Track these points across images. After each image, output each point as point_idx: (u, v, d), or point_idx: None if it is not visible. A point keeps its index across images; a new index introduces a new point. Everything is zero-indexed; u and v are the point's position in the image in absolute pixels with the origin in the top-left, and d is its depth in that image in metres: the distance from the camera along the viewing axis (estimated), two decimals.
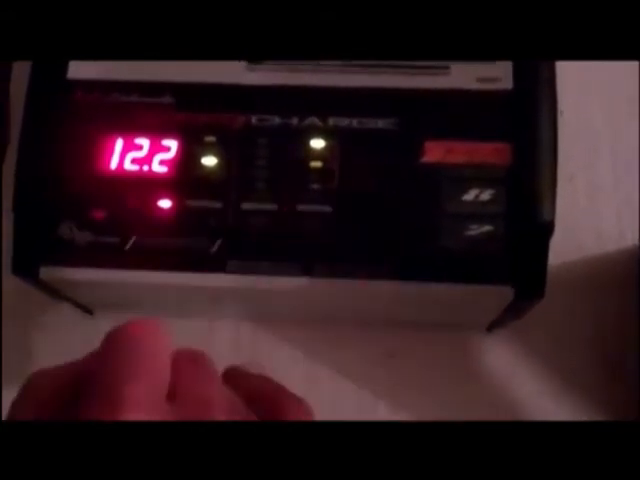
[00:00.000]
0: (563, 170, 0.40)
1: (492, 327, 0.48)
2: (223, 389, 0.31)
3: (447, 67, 0.41)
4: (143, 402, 0.27)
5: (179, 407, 0.29)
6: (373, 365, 0.50)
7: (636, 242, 0.50)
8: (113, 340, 0.29)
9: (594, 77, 0.53)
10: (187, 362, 0.31)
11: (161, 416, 0.28)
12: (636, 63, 0.52)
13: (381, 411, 0.49)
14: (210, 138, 0.41)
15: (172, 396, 0.29)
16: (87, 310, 0.50)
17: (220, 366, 0.33)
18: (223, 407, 0.29)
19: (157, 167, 0.41)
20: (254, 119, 0.41)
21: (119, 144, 0.41)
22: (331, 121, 0.41)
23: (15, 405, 0.29)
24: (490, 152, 0.40)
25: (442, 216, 0.39)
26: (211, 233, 0.40)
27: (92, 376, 0.28)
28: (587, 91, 0.52)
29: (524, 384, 0.49)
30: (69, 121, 0.41)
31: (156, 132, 0.41)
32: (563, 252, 0.49)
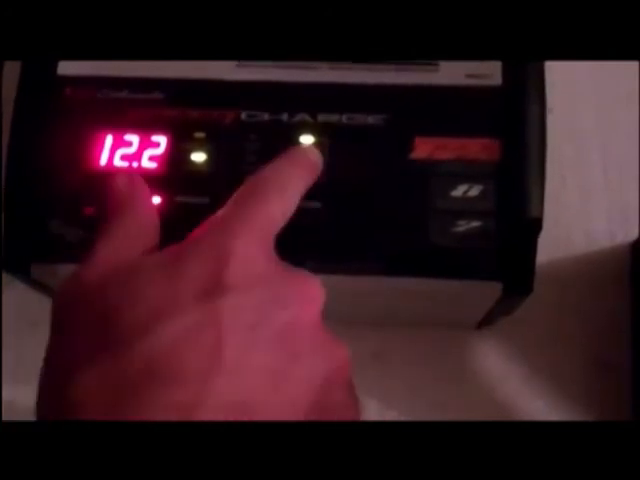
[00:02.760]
0: (554, 169, 0.41)
1: (481, 325, 0.48)
2: None
3: (436, 64, 0.41)
4: (262, 236, 0.32)
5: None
6: (362, 364, 0.50)
7: (626, 241, 0.51)
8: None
9: (584, 77, 0.53)
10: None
11: (271, 255, 0.33)
12: (626, 63, 0.52)
13: (370, 410, 0.49)
14: (200, 134, 0.41)
15: None
16: None
17: None
18: None
19: (146, 163, 0.41)
20: (244, 115, 0.41)
21: (109, 140, 0.41)
22: (321, 117, 0.41)
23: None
24: (479, 148, 0.40)
25: (431, 212, 0.39)
26: None
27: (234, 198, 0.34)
28: (577, 91, 0.53)
29: (513, 382, 0.49)
30: (59, 117, 0.41)
31: (146, 128, 0.41)
32: (553, 251, 0.49)
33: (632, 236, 0.51)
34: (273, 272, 0.32)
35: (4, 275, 0.42)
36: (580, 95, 0.53)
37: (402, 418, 0.48)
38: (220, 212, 0.33)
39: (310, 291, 0.32)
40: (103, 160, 0.41)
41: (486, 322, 0.46)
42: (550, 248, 0.41)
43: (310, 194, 0.40)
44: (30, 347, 0.51)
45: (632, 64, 0.52)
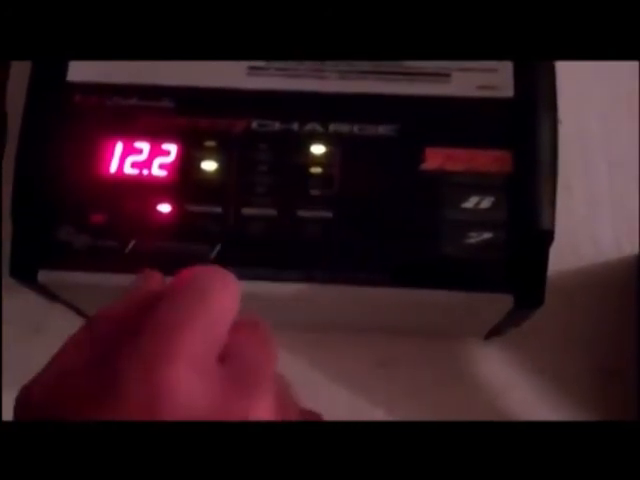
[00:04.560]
0: (561, 179, 0.41)
1: (490, 335, 0.48)
2: (276, 359, 0.30)
3: (448, 74, 0.41)
4: (195, 357, 0.26)
5: (229, 369, 0.28)
6: (370, 372, 0.50)
7: (634, 251, 0.51)
8: (183, 284, 0.29)
9: (591, 86, 0.53)
10: (246, 326, 0.30)
11: (210, 375, 0.27)
12: (633, 72, 0.52)
13: (376, 418, 0.49)
14: (210, 143, 0.41)
15: (223, 357, 0.28)
16: (85, 315, 0.49)
17: None
18: (272, 375, 0.29)
19: (157, 171, 0.40)
20: (254, 124, 0.41)
21: (119, 148, 0.41)
22: (332, 127, 0.40)
23: (74, 338, 0.29)
24: (490, 160, 0.40)
25: (442, 223, 0.39)
26: (211, 238, 0.40)
27: (152, 316, 0.27)
28: (584, 100, 0.53)
29: (521, 392, 0.49)
30: (68, 124, 0.41)
31: (156, 136, 0.41)
32: (561, 261, 0.49)
33: (637, 245, 0.51)
34: (213, 401, 0.27)
35: (10, 281, 0.42)
36: (586, 105, 0.53)
37: None
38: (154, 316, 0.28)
39: (256, 413, 0.28)
40: (113, 167, 0.41)
41: (495, 333, 0.46)
42: (557, 258, 0.41)
43: (321, 204, 0.40)
44: (33, 353, 0.51)
45: (634, 66, 0.52)
